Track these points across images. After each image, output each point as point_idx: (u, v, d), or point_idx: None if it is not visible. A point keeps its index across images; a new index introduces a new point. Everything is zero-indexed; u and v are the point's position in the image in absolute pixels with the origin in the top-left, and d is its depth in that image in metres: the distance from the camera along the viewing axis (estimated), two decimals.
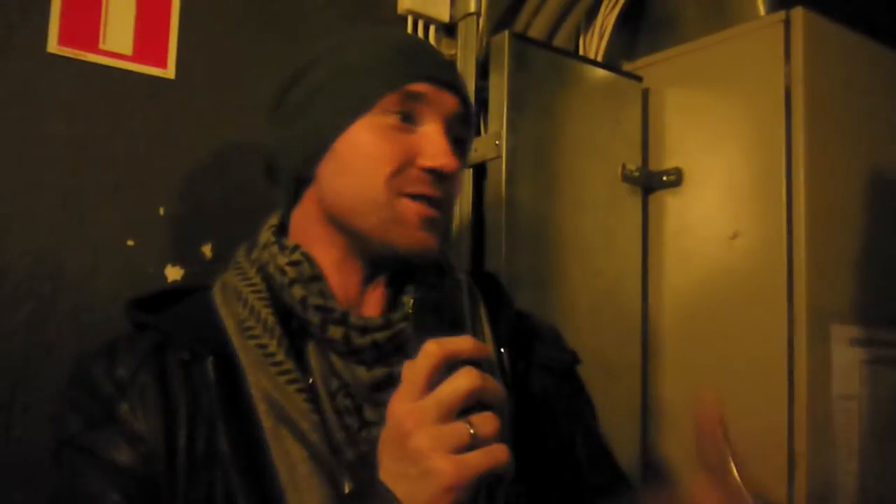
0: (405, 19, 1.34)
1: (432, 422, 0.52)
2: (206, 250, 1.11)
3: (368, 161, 0.70)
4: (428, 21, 1.36)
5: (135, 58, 1.08)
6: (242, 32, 1.17)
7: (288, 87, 0.77)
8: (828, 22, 1.28)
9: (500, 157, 1.24)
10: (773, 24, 1.27)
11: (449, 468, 0.51)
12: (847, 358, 1.22)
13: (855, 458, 1.22)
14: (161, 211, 1.08)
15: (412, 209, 0.70)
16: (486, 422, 0.53)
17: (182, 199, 1.10)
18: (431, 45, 0.80)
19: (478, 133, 1.30)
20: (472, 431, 0.52)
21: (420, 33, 1.35)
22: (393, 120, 0.71)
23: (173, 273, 1.08)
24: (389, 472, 0.54)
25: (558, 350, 0.88)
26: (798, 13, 1.25)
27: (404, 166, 0.70)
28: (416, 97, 0.71)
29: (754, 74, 1.29)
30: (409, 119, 0.71)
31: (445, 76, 0.74)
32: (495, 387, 0.55)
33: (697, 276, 1.35)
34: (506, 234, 1.22)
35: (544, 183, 1.29)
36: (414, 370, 0.54)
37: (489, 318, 0.80)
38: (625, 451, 1.30)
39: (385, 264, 0.73)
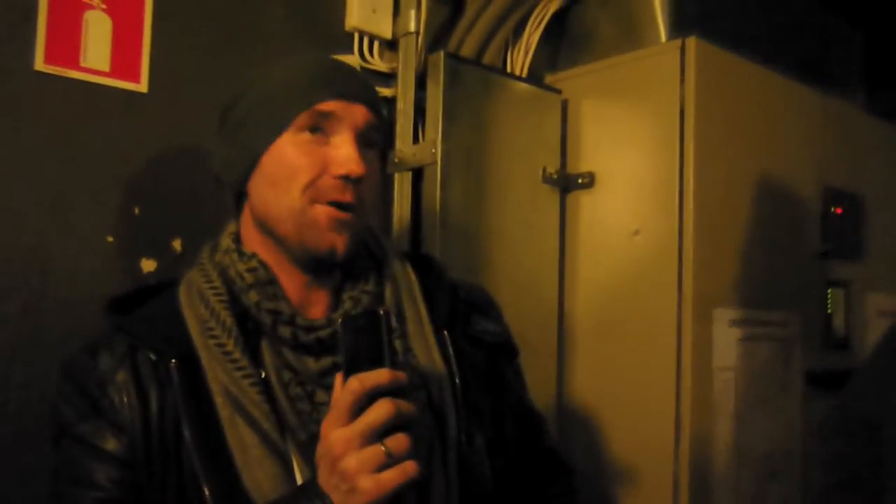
0: (352, 36, 1.49)
1: (356, 447, 0.67)
2: (177, 244, 1.26)
3: (287, 173, 0.81)
4: (372, 38, 1.51)
5: (112, 73, 1.21)
6: (208, 50, 1.31)
7: (229, 108, 0.87)
8: (718, 49, 1.49)
9: (435, 162, 1.41)
10: (672, 49, 1.47)
11: (370, 486, 0.66)
12: (726, 336, 1.45)
13: (731, 420, 1.45)
14: (136, 210, 1.22)
15: (323, 213, 0.80)
16: (399, 443, 0.67)
17: (154, 199, 1.24)
18: (345, 65, 0.90)
19: (416, 140, 1.47)
20: (388, 453, 0.67)
21: (365, 48, 1.51)
22: (307, 135, 0.81)
23: (148, 265, 1.23)
24: (325, 482, 0.69)
25: (493, 322, 1.00)
26: (692, 41, 1.45)
27: (318, 176, 0.81)
28: (325, 114, 0.81)
29: (656, 92, 1.49)
30: (321, 132, 0.82)
31: (353, 91, 0.84)
32: (408, 409, 0.69)
33: (606, 267, 1.55)
34: (439, 230, 1.40)
35: (474, 185, 1.47)
36: (340, 401, 0.68)
37: (426, 298, 0.92)
38: None
39: (311, 266, 0.84)
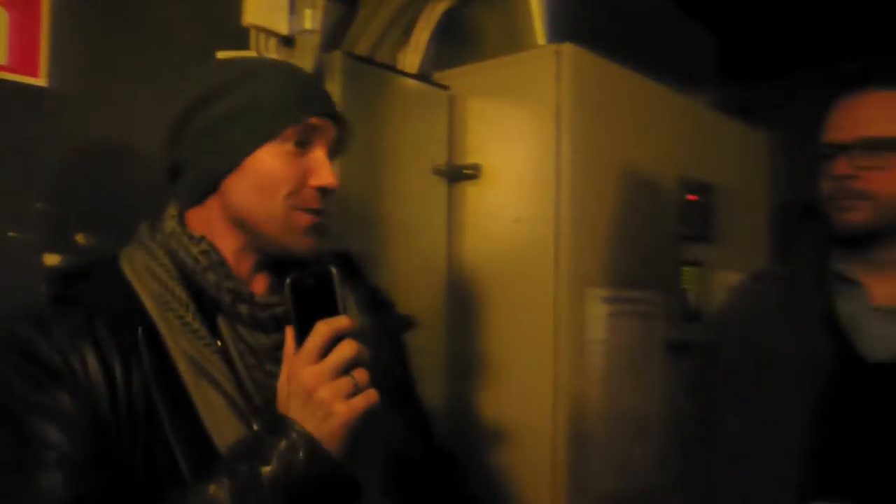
0: (248, 32, 1.55)
1: (328, 380, 0.78)
2: (80, 238, 1.29)
3: (273, 181, 0.89)
4: (269, 34, 1.57)
5: (9, 68, 1.22)
6: (107, 43, 1.33)
7: (196, 110, 0.91)
8: (590, 53, 1.65)
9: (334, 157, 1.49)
10: (549, 53, 1.62)
11: (345, 409, 0.78)
12: (598, 312, 1.63)
13: (602, 385, 1.63)
14: (38, 206, 1.24)
15: (303, 220, 0.90)
16: (362, 376, 0.80)
17: (55, 194, 1.26)
18: (316, 79, 1.01)
19: None
20: (355, 383, 0.79)
21: (262, 45, 1.56)
22: (291, 146, 0.89)
23: (51, 260, 1.25)
24: (298, 414, 0.79)
25: (394, 317, 1.13)
26: (567, 47, 1.60)
27: (300, 186, 0.90)
28: (313, 129, 0.90)
29: (535, 91, 1.63)
30: (303, 145, 0.90)
31: (332, 110, 0.93)
32: (364, 351, 0.81)
33: (491, 252, 1.69)
34: (340, 220, 1.49)
35: (370, 177, 1.57)
36: (310, 343, 0.79)
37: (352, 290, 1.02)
38: (433, 396, 1.65)
39: (276, 257, 0.94)
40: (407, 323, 1.24)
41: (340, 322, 0.80)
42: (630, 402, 1.71)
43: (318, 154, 0.92)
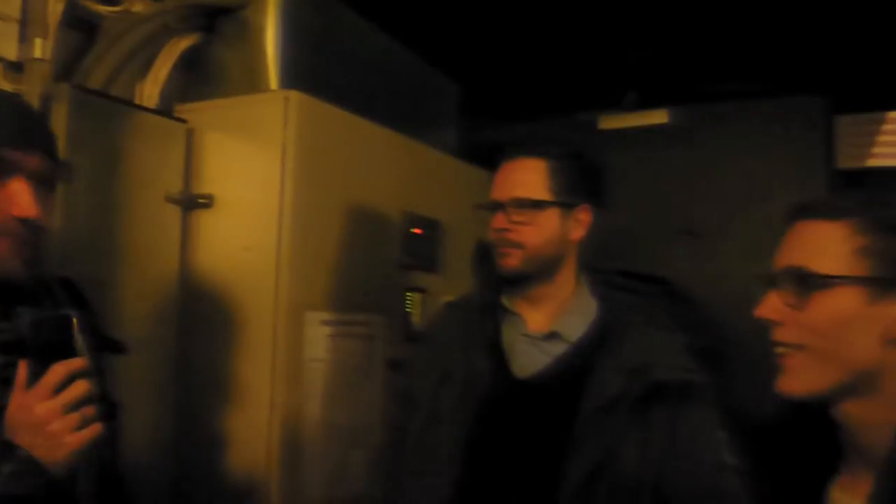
0: None
1: (60, 414, 0.91)
2: None
3: None
4: None
5: None
6: None
7: None
8: (318, 101, 1.83)
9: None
10: (278, 98, 1.78)
11: (74, 440, 0.92)
12: (317, 333, 1.80)
13: (321, 400, 1.81)
14: None
15: (3, 246, 0.99)
16: (89, 411, 0.94)
17: None
18: (28, 111, 1.07)
19: None
20: (84, 418, 0.93)
21: None
22: None
23: None
24: (27, 443, 0.91)
25: (107, 341, 1.23)
26: (294, 93, 1.77)
27: (4, 216, 0.98)
28: (8, 161, 0.97)
29: (265, 131, 1.79)
30: (3, 176, 0.98)
31: (30, 141, 1.00)
32: (92, 388, 0.95)
33: (222, 277, 1.82)
34: (70, 246, 1.55)
35: (103, 204, 1.65)
36: (47, 380, 0.91)
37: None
38: (163, 411, 1.74)
39: None
40: (117, 348, 1.33)
41: (75, 363, 0.94)
42: (348, 415, 1.90)
43: (16, 186, 0.99)
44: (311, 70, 1.92)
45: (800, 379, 0.97)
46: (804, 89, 2.89)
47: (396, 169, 2.11)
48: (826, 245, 0.96)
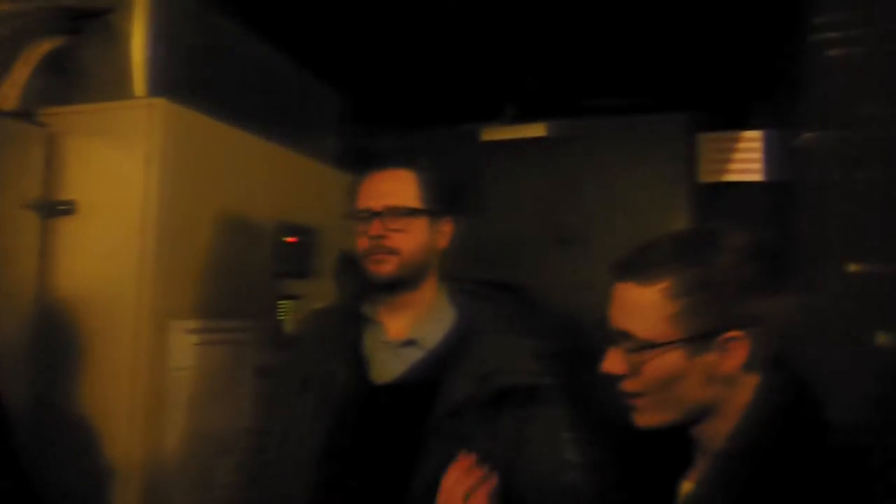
0: None
1: None
2: None
3: None
4: None
5: None
6: None
7: None
8: (186, 109, 1.82)
9: None
10: (143, 105, 1.77)
11: None
12: (183, 342, 1.80)
13: (186, 407, 1.80)
14: None
15: None
16: None
17: None
18: None
19: None
20: None
21: None
22: None
23: None
24: None
25: None
26: (160, 101, 1.77)
27: None
28: None
29: (129, 138, 1.77)
30: None
31: None
32: None
33: (85, 286, 1.79)
34: None
35: None
36: None
37: None
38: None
39: None
40: None
41: None
42: (216, 422, 1.90)
43: None
44: (184, 78, 1.91)
45: (649, 417, 1.10)
46: (671, 107, 3.07)
47: (270, 177, 2.13)
48: (643, 312, 1.06)
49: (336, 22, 2.61)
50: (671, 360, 1.05)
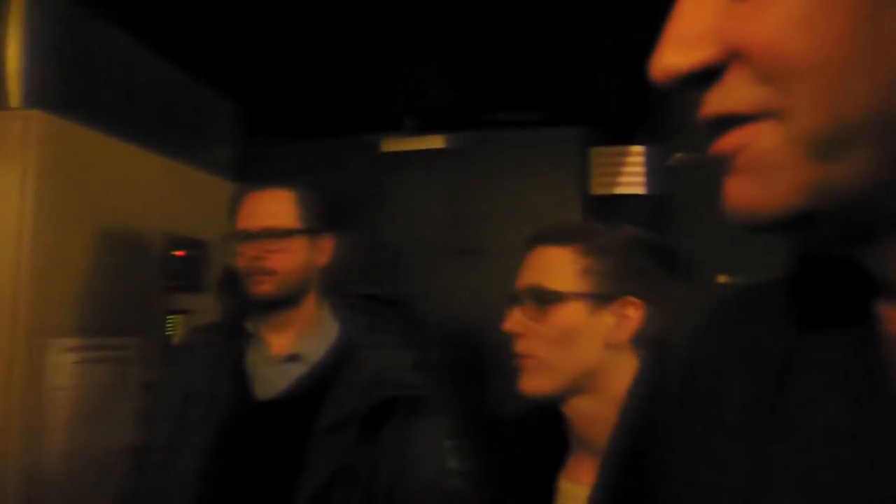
0: None
1: None
2: None
3: None
4: None
5: None
6: None
7: None
8: (66, 122, 1.78)
9: None
10: (18, 117, 1.72)
11: None
12: (62, 361, 1.75)
13: (65, 426, 1.76)
14: None
15: None
16: None
17: None
18: None
19: None
20: None
21: None
22: None
23: None
24: None
25: None
26: (36, 113, 1.72)
27: None
28: None
29: (5, 151, 1.71)
30: None
31: None
32: None
33: None
34: None
35: None
36: None
37: None
38: None
39: None
40: None
41: None
42: (98, 442, 1.86)
43: None
44: (63, 89, 1.86)
45: (535, 380, 1.15)
46: (567, 121, 3.18)
47: (158, 191, 2.09)
48: (557, 266, 1.15)
49: (229, 28, 2.60)
50: (573, 312, 1.12)
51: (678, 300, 1.18)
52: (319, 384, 1.53)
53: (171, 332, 2.10)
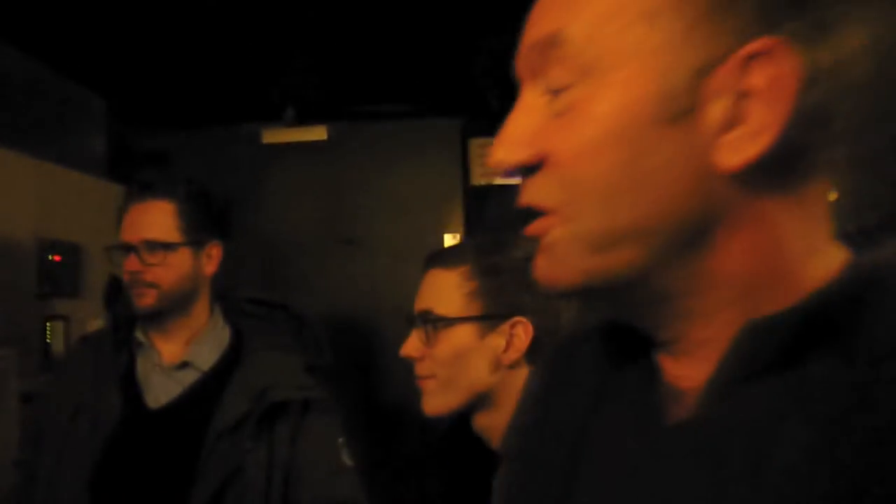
0: None
1: None
2: None
3: None
4: None
5: None
6: None
7: None
8: None
9: None
10: None
11: None
12: None
13: None
14: None
15: None
16: None
17: None
18: None
19: None
20: None
21: None
22: None
23: None
24: None
25: None
26: None
27: None
28: None
29: None
30: None
31: None
32: None
33: None
34: None
35: None
36: None
37: None
38: None
39: None
40: None
41: None
42: None
43: None
44: None
45: (435, 401, 1.16)
46: (446, 113, 3.27)
47: (27, 193, 2.02)
48: (445, 291, 1.16)
49: (98, 22, 2.50)
50: (462, 336, 1.14)
51: (570, 311, 1.18)
52: (212, 390, 1.54)
53: (49, 341, 2.04)
